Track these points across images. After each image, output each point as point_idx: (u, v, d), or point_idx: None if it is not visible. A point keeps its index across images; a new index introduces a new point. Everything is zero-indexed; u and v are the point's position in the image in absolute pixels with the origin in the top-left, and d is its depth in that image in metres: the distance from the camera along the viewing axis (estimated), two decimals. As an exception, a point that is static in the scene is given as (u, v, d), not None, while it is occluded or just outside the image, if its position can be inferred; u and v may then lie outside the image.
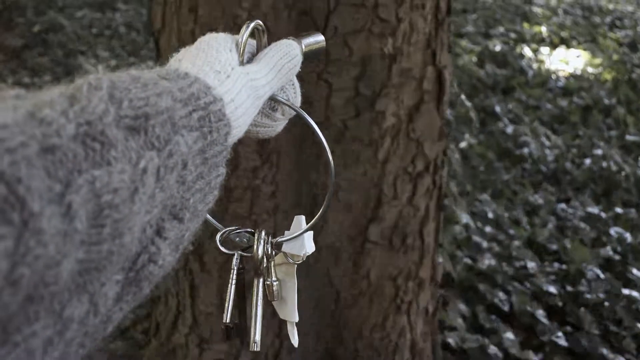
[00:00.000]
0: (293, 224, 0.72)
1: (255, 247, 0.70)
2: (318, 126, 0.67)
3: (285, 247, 0.72)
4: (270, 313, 0.82)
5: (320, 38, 0.73)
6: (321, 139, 0.67)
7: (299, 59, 0.67)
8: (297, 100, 0.70)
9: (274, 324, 1.80)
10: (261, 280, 0.71)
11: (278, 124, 0.69)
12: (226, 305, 0.70)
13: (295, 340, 0.76)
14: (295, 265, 0.73)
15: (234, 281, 0.71)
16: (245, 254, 0.71)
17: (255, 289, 0.71)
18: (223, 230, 0.71)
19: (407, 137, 1.79)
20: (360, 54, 1.67)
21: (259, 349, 0.70)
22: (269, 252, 0.70)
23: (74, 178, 0.37)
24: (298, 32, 0.73)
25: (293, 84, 0.69)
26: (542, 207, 3.19)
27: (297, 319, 0.75)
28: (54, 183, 0.35)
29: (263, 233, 0.70)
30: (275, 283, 0.71)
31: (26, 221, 0.32)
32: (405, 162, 1.81)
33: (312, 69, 1.69)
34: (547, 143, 3.81)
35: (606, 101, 4.42)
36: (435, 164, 1.88)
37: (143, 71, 0.51)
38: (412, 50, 1.74)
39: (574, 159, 3.68)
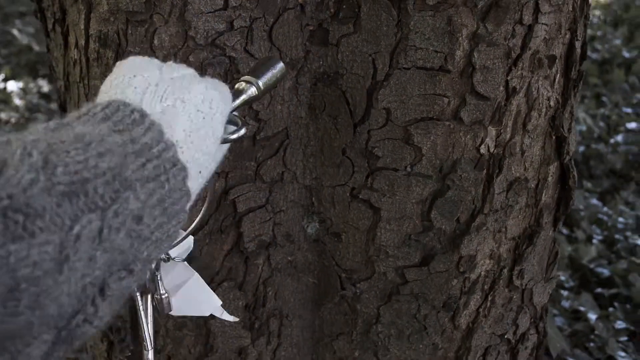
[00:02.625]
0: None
1: None
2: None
3: (173, 253, 0.74)
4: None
5: (278, 67, 0.71)
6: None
7: (226, 105, 0.62)
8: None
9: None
10: (148, 296, 0.72)
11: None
12: (143, 330, 0.71)
13: (232, 318, 0.83)
14: (184, 262, 0.75)
15: (140, 303, 0.72)
16: None
17: (143, 308, 0.72)
18: None
19: (507, 288, 1.01)
20: (434, 159, 0.89)
21: None
22: (152, 269, 0.70)
23: None
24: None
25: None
26: None
27: (220, 303, 0.80)
28: None
29: None
30: (164, 296, 0.74)
31: None
32: (502, 327, 1.04)
33: (343, 183, 0.91)
34: None
35: None
36: (541, 315, 1.11)
37: (95, 124, 0.49)
38: (528, 144, 0.94)
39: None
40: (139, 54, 0.79)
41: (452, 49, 0.85)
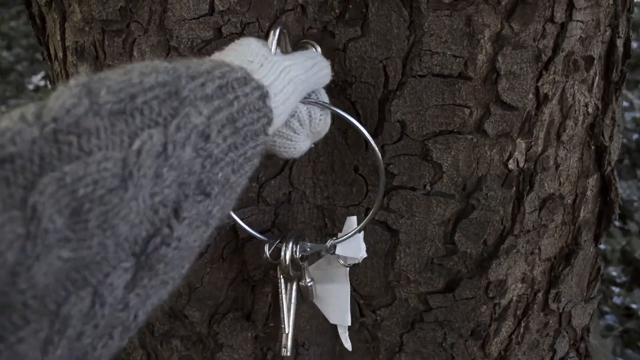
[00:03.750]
0: (345, 225, 0.75)
1: (282, 252, 0.75)
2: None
3: (339, 250, 0.75)
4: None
5: None
6: (368, 139, 0.70)
7: (328, 71, 0.69)
8: (325, 124, 0.70)
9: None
10: (294, 284, 0.77)
11: (297, 138, 0.67)
12: (283, 315, 0.77)
13: (348, 345, 0.82)
14: (348, 268, 0.76)
15: (283, 289, 0.77)
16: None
17: (286, 294, 0.76)
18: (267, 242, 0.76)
19: (543, 312, 0.91)
20: (456, 177, 0.79)
21: (289, 354, 0.75)
22: (297, 256, 0.75)
23: (38, 179, 0.36)
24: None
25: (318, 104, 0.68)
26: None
27: (349, 323, 0.80)
28: (15, 190, 0.35)
29: (290, 242, 0.75)
30: (309, 284, 0.77)
31: None
32: (537, 353, 0.94)
33: (357, 203, 0.82)
34: None
35: None
36: (582, 336, 1.01)
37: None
38: (564, 156, 0.83)
39: None
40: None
41: (473, 53, 0.74)
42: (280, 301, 0.76)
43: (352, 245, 0.76)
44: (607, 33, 0.81)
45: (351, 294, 0.89)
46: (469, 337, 0.89)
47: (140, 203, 0.42)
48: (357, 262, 0.78)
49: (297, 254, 0.75)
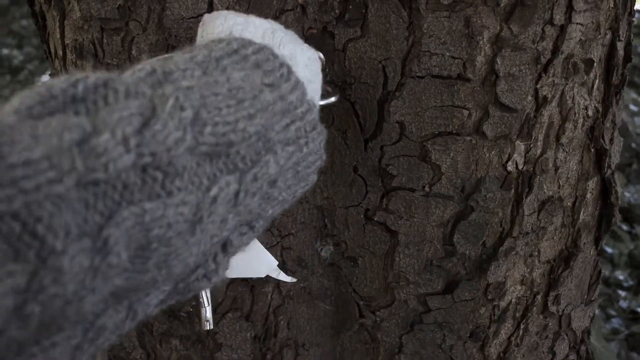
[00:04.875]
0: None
1: None
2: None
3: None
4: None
5: None
6: None
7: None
8: None
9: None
10: None
11: None
12: (203, 311, 0.71)
13: (289, 278, 0.81)
14: None
15: None
16: None
17: None
18: None
19: (542, 315, 0.91)
20: (455, 178, 0.79)
21: (211, 327, 0.72)
22: None
23: (118, 210, 0.35)
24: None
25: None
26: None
27: (276, 262, 0.78)
28: (91, 216, 0.34)
29: None
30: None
31: (44, 259, 0.31)
32: (537, 356, 0.94)
33: (357, 204, 0.82)
34: None
35: None
36: (582, 338, 1.01)
37: (247, 70, 0.46)
38: (563, 159, 0.83)
39: None
40: (117, 65, 0.71)
41: (472, 54, 0.75)
42: (203, 296, 0.73)
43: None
44: (608, 36, 0.81)
45: (350, 295, 0.89)
46: (468, 339, 0.89)
47: (202, 246, 0.42)
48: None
49: None
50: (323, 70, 0.68)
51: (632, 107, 2.99)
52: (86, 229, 0.33)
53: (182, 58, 0.45)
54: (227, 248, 0.46)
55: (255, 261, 0.79)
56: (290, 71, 0.50)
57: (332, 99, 0.65)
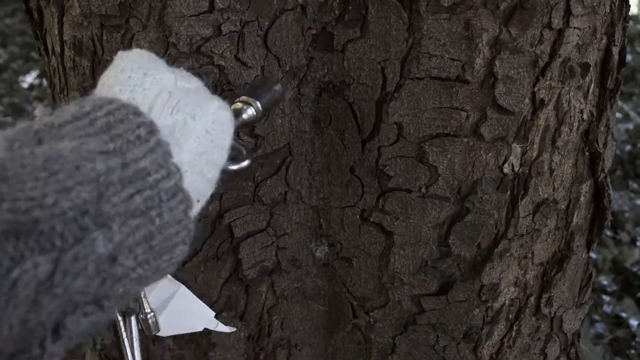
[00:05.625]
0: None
1: None
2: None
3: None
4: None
5: (277, 88, 0.68)
6: None
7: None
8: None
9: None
10: (132, 317, 0.66)
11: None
12: (125, 353, 0.66)
13: (227, 329, 0.78)
14: (167, 275, 0.60)
15: (122, 324, 0.66)
16: None
17: (125, 329, 0.66)
18: None
19: (534, 317, 0.92)
20: (452, 180, 0.79)
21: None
22: None
23: None
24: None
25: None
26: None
27: (213, 314, 0.76)
28: None
29: None
30: (150, 315, 0.68)
31: None
32: (528, 357, 0.94)
33: (353, 204, 0.82)
34: None
35: None
36: (572, 341, 1.01)
37: (86, 135, 0.42)
38: (558, 162, 0.84)
39: None
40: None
41: (471, 56, 0.75)
42: (120, 338, 0.67)
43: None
44: (603, 41, 0.82)
45: (344, 295, 0.89)
46: (461, 340, 0.89)
47: (5, 330, 0.38)
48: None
49: None
50: (253, 121, 0.64)
51: (617, 115, 3.02)
52: None
53: (23, 126, 0.42)
54: (59, 331, 0.41)
55: (191, 315, 0.75)
56: (151, 132, 0.45)
57: (244, 164, 0.60)
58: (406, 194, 0.81)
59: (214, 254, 0.84)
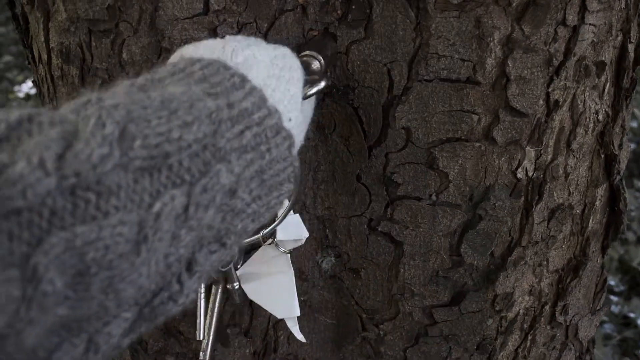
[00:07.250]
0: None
1: None
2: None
3: (281, 235, 0.70)
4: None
5: (333, 45, 0.69)
6: None
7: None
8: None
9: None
10: (219, 287, 0.68)
11: None
12: (198, 321, 0.67)
13: (301, 337, 0.76)
14: (289, 255, 0.71)
15: (203, 292, 0.69)
16: None
17: (204, 297, 0.68)
18: None
19: (550, 325, 0.88)
20: (463, 186, 0.76)
21: (204, 338, 0.69)
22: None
23: (46, 237, 0.33)
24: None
25: None
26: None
27: (298, 313, 0.74)
28: (17, 246, 0.32)
29: None
30: (236, 287, 0.70)
31: None
32: (545, 368, 0.91)
33: (360, 214, 0.79)
34: None
35: None
36: (588, 348, 0.98)
37: (189, 84, 0.45)
38: (573, 165, 0.80)
39: None
40: (106, 70, 0.67)
41: (482, 56, 0.71)
42: (199, 305, 0.70)
43: (293, 227, 0.72)
44: (619, 38, 0.79)
45: (353, 307, 0.86)
46: (475, 352, 0.85)
47: (152, 266, 0.40)
48: (300, 244, 0.74)
49: None
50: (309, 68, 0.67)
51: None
52: (13, 260, 0.32)
53: (123, 84, 0.44)
54: (192, 267, 0.44)
55: (281, 300, 0.76)
56: (244, 79, 0.49)
57: (322, 84, 0.63)
58: (416, 202, 0.78)
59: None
